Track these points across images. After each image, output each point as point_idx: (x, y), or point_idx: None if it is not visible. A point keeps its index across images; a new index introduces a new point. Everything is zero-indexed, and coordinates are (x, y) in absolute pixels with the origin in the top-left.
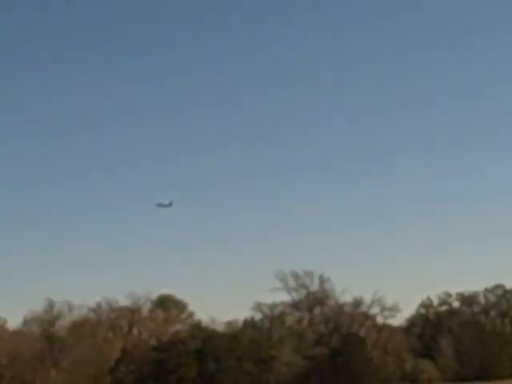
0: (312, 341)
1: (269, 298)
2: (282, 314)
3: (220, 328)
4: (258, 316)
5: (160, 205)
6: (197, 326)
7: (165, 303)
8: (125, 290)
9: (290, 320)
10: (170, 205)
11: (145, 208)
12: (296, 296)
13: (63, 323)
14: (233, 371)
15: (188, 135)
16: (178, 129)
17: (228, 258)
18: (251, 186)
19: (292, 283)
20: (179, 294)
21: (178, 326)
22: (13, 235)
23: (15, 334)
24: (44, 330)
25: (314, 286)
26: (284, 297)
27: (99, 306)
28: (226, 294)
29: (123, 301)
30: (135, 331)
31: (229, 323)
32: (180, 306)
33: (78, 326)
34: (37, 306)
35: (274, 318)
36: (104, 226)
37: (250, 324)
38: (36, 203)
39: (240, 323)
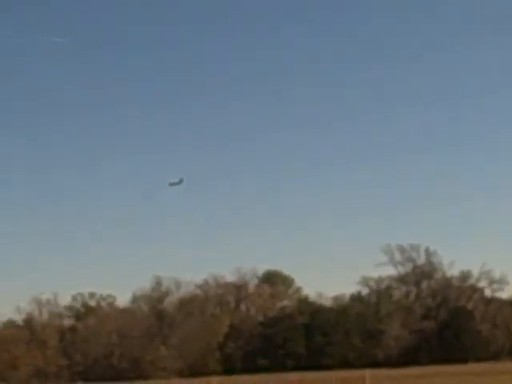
0: (419, 315)
1: (375, 273)
2: (389, 288)
3: (327, 303)
4: (364, 291)
5: (172, 184)
6: (304, 301)
7: (271, 279)
8: (230, 266)
9: (396, 294)
10: (181, 182)
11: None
12: (402, 270)
13: (171, 300)
14: (340, 346)
15: None
16: None
17: (334, 233)
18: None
19: (398, 257)
20: (286, 269)
21: (284, 302)
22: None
23: (124, 311)
24: (152, 307)
25: (421, 260)
26: (390, 271)
27: (206, 282)
28: (332, 269)
29: (229, 277)
30: (243, 307)
31: (335, 298)
32: (287, 281)
33: (186, 303)
34: (145, 283)
35: (381, 293)
36: None
37: (356, 298)
38: None
39: (347, 298)
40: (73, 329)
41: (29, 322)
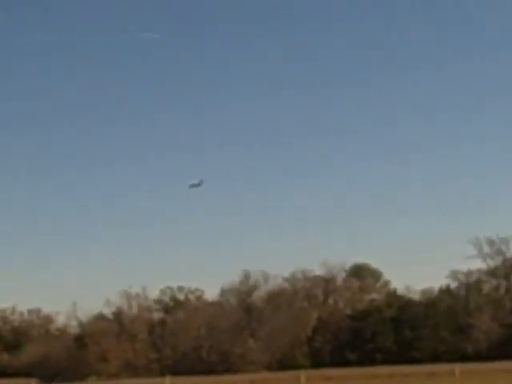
0: (509, 308)
1: (464, 266)
2: (478, 282)
3: (415, 296)
4: (453, 284)
5: (192, 186)
6: (392, 295)
7: (359, 272)
8: (318, 259)
9: (486, 287)
10: (200, 184)
11: None
12: (492, 263)
13: (259, 293)
14: (429, 339)
15: None
16: None
17: (421, 226)
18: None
19: (487, 250)
20: (374, 263)
21: (373, 295)
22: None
23: (213, 305)
24: (241, 301)
25: (510, 253)
26: (479, 264)
27: (294, 275)
28: (420, 263)
29: (317, 270)
30: (330, 300)
31: (424, 291)
32: (375, 275)
33: (274, 296)
34: (233, 277)
35: (470, 286)
36: None
37: (445, 292)
38: None
39: (435, 291)
40: (162, 322)
41: (118, 315)
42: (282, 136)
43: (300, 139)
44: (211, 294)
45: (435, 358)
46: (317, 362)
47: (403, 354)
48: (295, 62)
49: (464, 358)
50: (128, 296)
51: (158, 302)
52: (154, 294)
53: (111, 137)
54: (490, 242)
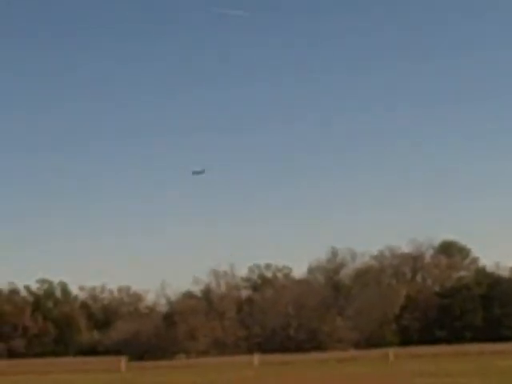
0: None
1: None
2: None
3: (505, 274)
4: None
5: (195, 173)
6: (481, 272)
7: (448, 249)
8: (405, 236)
9: None
10: (203, 172)
11: None
12: None
13: (347, 271)
14: None
15: None
16: None
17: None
18: None
19: None
20: (462, 239)
21: (461, 273)
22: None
23: (300, 282)
24: (328, 278)
25: None
26: None
27: (381, 253)
28: (510, 239)
29: (405, 248)
30: (419, 278)
31: None
32: (463, 252)
33: (362, 274)
34: (321, 254)
35: None
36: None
37: None
38: None
39: None
40: (250, 300)
41: (207, 293)
42: None
43: None
44: (299, 271)
45: None
46: (405, 340)
47: (492, 332)
48: None
49: None
50: (216, 274)
51: (246, 279)
52: (241, 272)
53: None
54: None
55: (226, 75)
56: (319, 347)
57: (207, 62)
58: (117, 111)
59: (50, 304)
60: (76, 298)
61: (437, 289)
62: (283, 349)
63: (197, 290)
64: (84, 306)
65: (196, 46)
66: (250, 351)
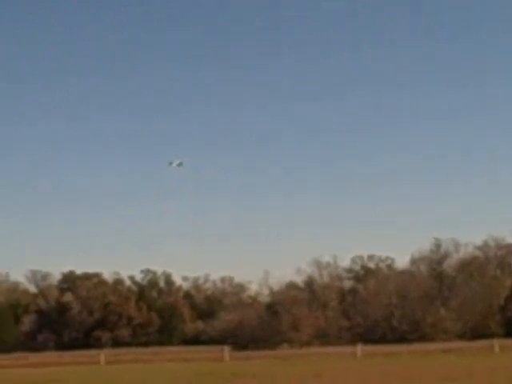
0: None
1: None
2: None
3: None
4: None
5: (171, 164)
6: None
7: None
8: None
9: None
10: (180, 164)
11: None
12: None
13: (450, 262)
14: None
15: None
16: None
17: None
18: None
19: None
20: None
21: None
22: None
23: (403, 273)
24: (432, 269)
25: None
26: None
27: (486, 243)
28: None
29: (510, 238)
30: None
31: None
32: None
33: (466, 265)
34: (424, 245)
35: None
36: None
37: None
38: None
39: None
40: (353, 290)
41: (309, 283)
42: None
43: None
44: (401, 262)
45: None
46: (510, 332)
47: None
48: None
49: None
50: (319, 264)
51: (349, 270)
52: (344, 262)
53: None
54: None
55: None
56: (423, 338)
57: None
58: None
59: (154, 294)
60: (180, 288)
61: None
62: (385, 340)
63: (299, 280)
64: (187, 296)
65: None
66: (352, 342)
